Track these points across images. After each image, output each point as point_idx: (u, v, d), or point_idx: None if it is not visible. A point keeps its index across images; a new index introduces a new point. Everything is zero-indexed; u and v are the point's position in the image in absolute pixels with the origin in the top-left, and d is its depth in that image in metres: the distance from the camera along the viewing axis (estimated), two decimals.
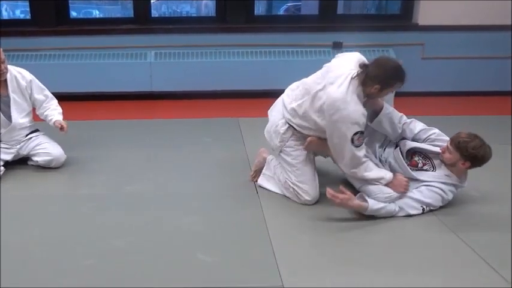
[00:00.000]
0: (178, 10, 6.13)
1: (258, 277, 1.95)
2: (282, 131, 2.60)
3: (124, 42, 4.60)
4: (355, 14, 5.75)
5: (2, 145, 2.95)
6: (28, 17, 4.73)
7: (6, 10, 5.27)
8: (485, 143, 2.36)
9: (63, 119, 3.06)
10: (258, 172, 2.82)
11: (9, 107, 2.94)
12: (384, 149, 2.70)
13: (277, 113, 2.66)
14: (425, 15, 4.67)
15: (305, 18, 5.34)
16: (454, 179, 2.44)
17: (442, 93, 4.78)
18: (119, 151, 3.33)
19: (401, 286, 1.88)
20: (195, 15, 6.07)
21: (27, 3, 4.66)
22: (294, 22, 5.02)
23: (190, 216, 2.44)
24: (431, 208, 2.43)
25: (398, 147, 2.61)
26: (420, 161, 2.54)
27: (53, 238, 2.23)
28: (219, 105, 4.54)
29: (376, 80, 2.30)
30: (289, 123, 2.58)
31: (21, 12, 5.28)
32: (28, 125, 3.06)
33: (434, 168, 2.49)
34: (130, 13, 4.80)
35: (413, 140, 2.58)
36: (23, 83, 2.98)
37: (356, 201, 2.34)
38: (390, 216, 2.39)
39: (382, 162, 2.67)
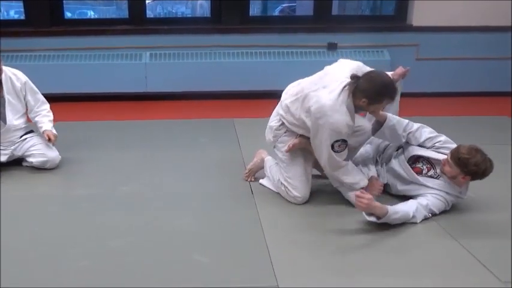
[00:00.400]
0: (173, 11, 6.12)
1: (253, 277, 1.95)
2: (275, 127, 2.63)
3: (119, 43, 4.59)
4: (349, 14, 5.76)
5: None
6: (22, 17, 4.71)
7: (0, 11, 5.24)
8: (486, 156, 2.31)
9: (54, 120, 3.07)
10: (252, 172, 2.83)
11: (4, 108, 2.93)
12: (384, 151, 2.71)
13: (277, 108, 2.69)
14: (419, 16, 4.69)
15: (300, 19, 5.35)
16: (457, 190, 2.42)
17: (436, 94, 4.81)
18: (114, 152, 3.32)
19: (397, 287, 1.89)
20: (190, 15, 6.06)
21: (22, 4, 4.64)
22: (289, 23, 5.03)
23: (185, 216, 2.45)
24: (432, 215, 2.42)
25: (402, 153, 2.59)
26: (424, 168, 2.53)
27: (48, 239, 2.23)
28: (214, 105, 4.54)
29: (364, 94, 2.28)
30: (282, 120, 2.60)
31: (16, 12, 5.26)
32: (23, 126, 3.05)
33: (438, 175, 2.47)
34: (125, 14, 4.79)
35: (419, 146, 2.55)
36: (18, 84, 2.97)
37: (377, 203, 2.25)
38: (401, 222, 2.33)
39: (379, 164, 2.69)
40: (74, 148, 3.31)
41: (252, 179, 2.84)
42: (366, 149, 2.77)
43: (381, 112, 2.48)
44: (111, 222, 2.38)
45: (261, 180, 2.81)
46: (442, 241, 2.24)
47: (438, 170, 2.47)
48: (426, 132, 2.56)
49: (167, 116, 4.23)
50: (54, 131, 3.02)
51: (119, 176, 2.94)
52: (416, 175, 2.49)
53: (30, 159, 3.00)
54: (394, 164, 2.59)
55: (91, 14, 6.03)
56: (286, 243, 2.21)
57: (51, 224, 2.38)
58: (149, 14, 4.95)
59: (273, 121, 2.65)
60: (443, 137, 2.55)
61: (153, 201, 2.61)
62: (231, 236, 2.27)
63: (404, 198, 2.51)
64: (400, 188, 2.56)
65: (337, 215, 2.46)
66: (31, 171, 3.00)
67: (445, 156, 2.42)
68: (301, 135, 2.56)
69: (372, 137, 2.66)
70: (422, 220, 2.38)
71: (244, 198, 2.65)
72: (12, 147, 3.01)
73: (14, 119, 2.98)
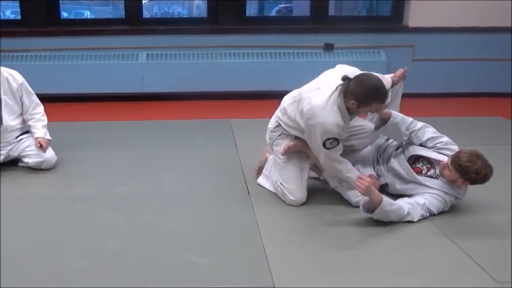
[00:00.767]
0: (170, 11, 6.12)
1: (249, 278, 1.95)
2: (271, 128, 2.66)
3: (115, 43, 4.59)
4: (346, 15, 5.78)
5: None
6: (18, 17, 4.70)
7: None
8: (487, 162, 2.30)
9: (50, 121, 3.07)
10: (261, 169, 2.87)
11: (0, 109, 2.92)
12: (384, 150, 2.72)
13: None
14: (415, 17, 4.72)
15: (297, 19, 5.37)
16: (455, 190, 2.43)
17: (431, 95, 4.83)
18: (110, 152, 3.32)
19: (393, 287, 1.90)
20: (186, 16, 6.06)
21: (18, 4, 4.62)
22: (286, 23, 5.04)
23: (182, 217, 2.44)
24: (431, 215, 2.41)
25: (402, 152, 2.60)
26: (424, 168, 2.53)
27: (46, 239, 2.22)
28: (210, 106, 4.54)
29: (354, 97, 2.30)
30: (278, 122, 2.61)
31: (12, 12, 5.24)
32: (19, 126, 3.04)
33: (438, 175, 2.47)
34: (121, 14, 4.78)
35: (420, 146, 2.56)
36: (14, 85, 2.96)
37: (376, 190, 2.27)
38: (397, 219, 2.33)
39: (380, 163, 2.69)
40: (70, 148, 3.30)
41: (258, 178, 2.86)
42: (366, 149, 2.77)
43: (385, 110, 2.49)
44: (108, 223, 2.38)
45: (258, 180, 2.82)
46: (438, 241, 2.25)
47: (438, 170, 2.48)
48: (429, 132, 2.56)
49: (164, 117, 4.23)
50: (47, 136, 3.02)
51: (116, 176, 2.94)
52: (415, 174, 2.49)
53: (26, 160, 2.99)
54: (394, 163, 2.60)
55: (87, 14, 6.02)
56: (283, 244, 2.22)
57: (48, 224, 2.37)
58: (146, 14, 4.95)
59: (271, 123, 2.68)
60: (445, 138, 2.56)
61: (150, 202, 2.61)
62: (228, 237, 2.28)
63: (403, 197, 2.50)
64: (399, 187, 2.56)
65: (334, 216, 2.46)
66: (27, 171, 2.99)
67: (446, 158, 2.43)
68: (296, 138, 2.57)
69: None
70: (419, 220, 2.38)
71: (241, 198, 2.65)
72: (8, 148, 3.00)
73: (10, 120, 2.97)
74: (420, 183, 2.47)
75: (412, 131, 2.55)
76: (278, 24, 4.98)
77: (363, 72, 2.42)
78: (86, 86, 4.55)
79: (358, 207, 2.41)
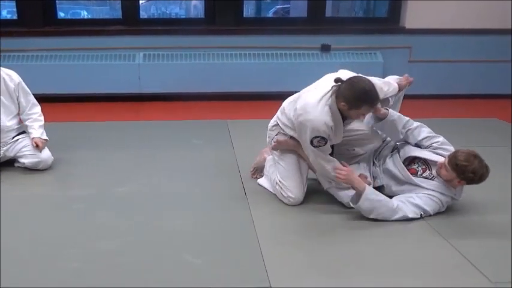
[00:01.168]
0: (167, 11, 6.12)
1: (246, 278, 1.96)
2: (269, 127, 2.69)
3: (112, 43, 4.58)
4: (343, 16, 5.80)
5: None
6: (15, 17, 4.69)
7: None
8: (483, 162, 2.31)
9: (47, 121, 3.06)
10: (257, 170, 2.89)
11: None
12: (380, 152, 2.73)
13: None
14: (412, 18, 4.73)
15: (294, 20, 5.38)
16: (451, 191, 2.44)
17: (428, 96, 4.84)
18: (107, 153, 3.31)
19: (388, 287, 1.91)
20: (183, 16, 6.06)
21: (14, 3, 4.62)
22: (283, 24, 5.05)
23: (178, 217, 2.45)
24: (427, 215, 2.42)
25: (397, 153, 2.61)
26: (420, 169, 2.54)
27: (43, 240, 2.22)
28: (207, 107, 4.54)
29: (345, 99, 2.31)
30: (277, 121, 2.64)
31: (8, 12, 5.22)
32: (15, 127, 3.04)
33: (433, 177, 2.48)
34: (118, 14, 4.78)
35: (416, 145, 2.58)
36: (12, 85, 2.95)
37: (357, 176, 2.37)
38: (388, 214, 2.36)
39: (374, 165, 2.70)
40: (67, 149, 3.29)
41: (258, 176, 2.88)
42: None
43: (382, 110, 2.51)
44: (106, 223, 2.38)
45: (259, 180, 2.84)
46: (433, 241, 2.26)
47: (434, 172, 2.49)
48: (425, 131, 2.58)
49: (161, 117, 4.22)
50: (44, 137, 3.01)
51: (112, 177, 2.93)
52: (411, 176, 2.50)
53: (22, 160, 2.98)
54: (389, 164, 2.61)
55: (84, 14, 6.01)
56: (279, 244, 2.22)
57: (46, 224, 2.37)
58: (143, 14, 4.94)
59: (270, 122, 2.71)
60: (441, 138, 2.57)
61: (147, 202, 2.61)
62: (224, 237, 2.28)
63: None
64: (395, 188, 2.56)
65: (330, 216, 2.47)
66: (23, 172, 2.98)
67: (442, 158, 2.44)
68: (291, 137, 2.58)
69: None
70: (414, 220, 2.39)
71: (237, 199, 2.66)
72: (4, 148, 2.99)
73: (6, 120, 2.96)
74: (415, 185, 2.47)
75: (408, 130, 2.57)
76: (275, 25, 4.98)
77: (357, 75, 2.43)
78: (82, 86, 4.55)
79: (352, 208, 2.42)
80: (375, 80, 2.64)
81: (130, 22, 4.69)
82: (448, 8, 4.64)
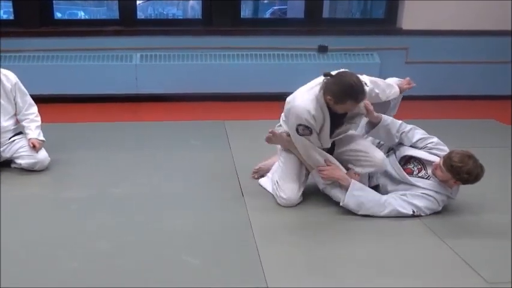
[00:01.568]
0: (164, 12, 6.12)
1: (242, 278, 1.96)
2: (277, 125, 2.70)
3: (109, 44, 4.58)
4: (340, 17, 5.82)
5: None
6: (11, 17, 4.68)
7: None
8: (478, 163, 2.32)
9: (44, 122, 3.06)
10: (260, 170, 2.89)
11: None
12: None
13: None
14: (409, 19, 4.74)
15: (291, 21, 5.38)
16: (447, 190, 2.45)
17: (424, 97, 4.84)
18: (104, 154, 3.31)
19: (385, 287, 1.91)
20: (181, 17, 6.07)
21: (11, 4, 4.60)
22: (280, 25, 5.05)
23: (176, 218, 2.45)
24: (421, 214, 2.43)
25: (393, 153, 2.62)
26: (415, 169, 2.55)
27: (42, 240, 2.22)
28: (204, 107, 4.54)
29: (331, 93, 2.32)
30: (282, 119, 2.66)
31: (5, 12, 5.22)
32: (12, 127, 3.03)
33: (429, 176, 2.49)
34: (115, 15, 4.78)
35: (411, 147, 2.59)
36: (8, 85, 2.95)
37: (341, 172, 2.44)
38: (377, 208, 2.38)
39: None
40: (64, 150, 3.29)
41: (258, 177, 2.88)
42: None
43: (375, 114, 2.52)
44: (102, 224, 2.38)
45: (260, 180, 2.85)
46: (428, 241, 2.27)
47: (429, 171, 2.50)
48: (419, 133, 2.61)
49: (158, 118, 4.22)
50: (40, 137, 3.01)
51: (109, 177, 2.93)
52: (406, 175, 2.51)
53: (19, 161, 2.97)
54: None
55: (81, 15, 6.01)
56: (276, 244, 2.22)
57: (45, 225, 2.36)
58: (140, 15, 4.95)
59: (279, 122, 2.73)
60: (435, 139, 2.59)
61: (144, 203, 2.61)
62: (221, 237, 2.28)
63: None
64: (391, 188, 2.58)
65: (326, 216, 2.47)
66: (20, 173, 2.97)
67: (437, 158, 2.45)
68: (288, 135, 2.59)
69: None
70: (409, 219, 2.40)
71: (234, 199, 2.66)
72: (0, 149, 2.98)
73: (3, 121, 2.95)
74: (411, 184, 2.48)
75: (403, 132, 2.59)
76: (272, 26, 4.98)
77: (346, 70, 2.43)
78: (79, 86, 4.54)
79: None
80: (379, 82, 2.67)
81: (128, 23, 4.69)
82: (444, 9, 4.66)
